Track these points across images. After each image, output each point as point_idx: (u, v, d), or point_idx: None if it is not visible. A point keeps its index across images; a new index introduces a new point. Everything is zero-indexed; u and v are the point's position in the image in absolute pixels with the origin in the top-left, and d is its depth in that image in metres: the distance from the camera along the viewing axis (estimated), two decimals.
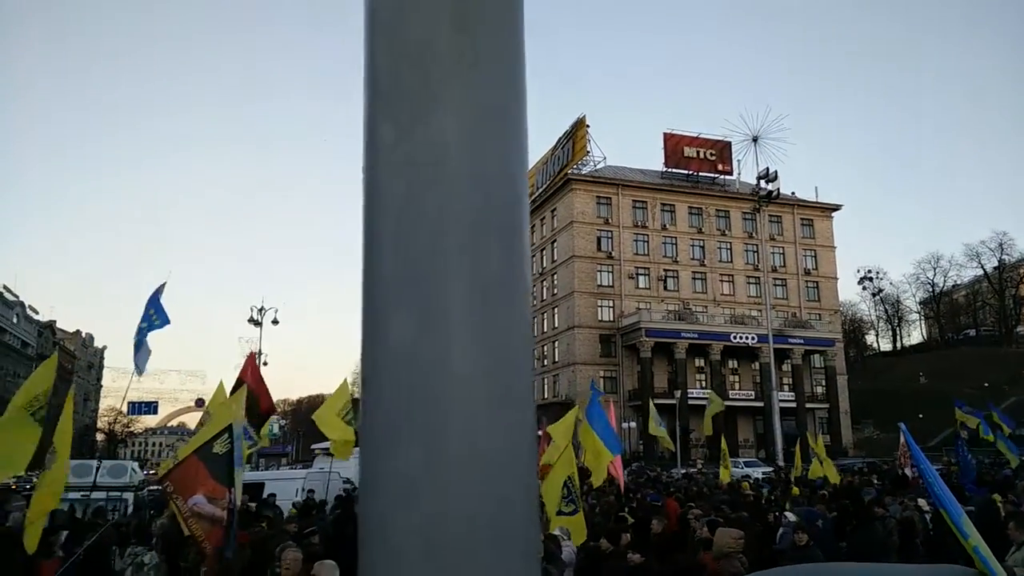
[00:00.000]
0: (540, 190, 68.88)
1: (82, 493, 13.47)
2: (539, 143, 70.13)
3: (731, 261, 65.14)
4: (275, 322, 44.31)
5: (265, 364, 46.88)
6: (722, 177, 65.96)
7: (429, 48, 0.74)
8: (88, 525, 10.34)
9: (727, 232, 65.34)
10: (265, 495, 13.90)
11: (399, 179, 0.73)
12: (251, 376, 11.27)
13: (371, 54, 0.78)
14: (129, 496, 13.84)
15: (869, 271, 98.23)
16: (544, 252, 66.85)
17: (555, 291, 63.83)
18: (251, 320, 43.56)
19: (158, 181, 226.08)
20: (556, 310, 63.31)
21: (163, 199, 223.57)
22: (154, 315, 10.49)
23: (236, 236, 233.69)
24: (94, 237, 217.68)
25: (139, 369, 10.34)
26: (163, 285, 10.87)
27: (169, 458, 7.48)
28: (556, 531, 7.70)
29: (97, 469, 13.02)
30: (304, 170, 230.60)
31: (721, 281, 64.35)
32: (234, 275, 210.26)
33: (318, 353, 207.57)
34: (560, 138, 67.00)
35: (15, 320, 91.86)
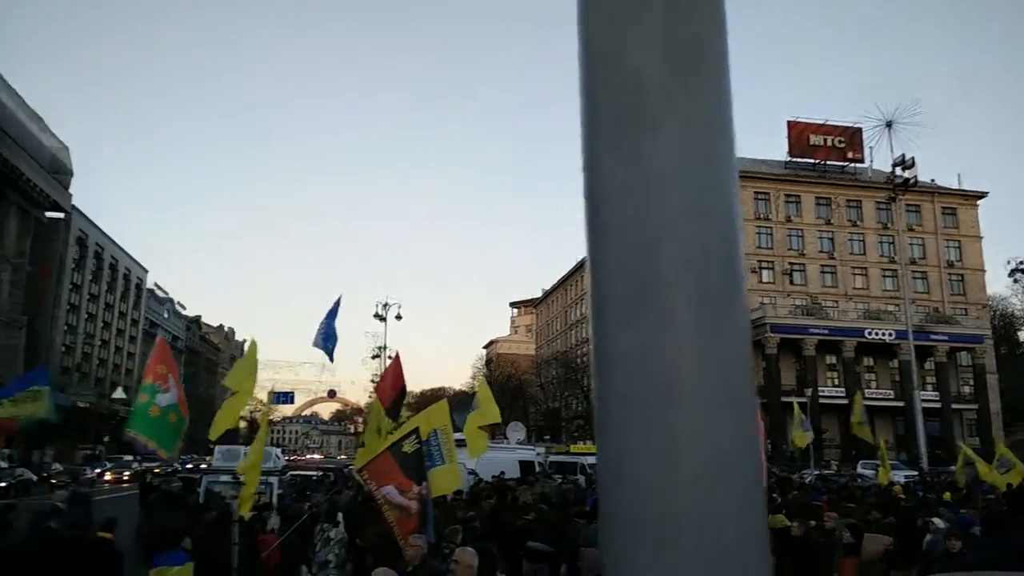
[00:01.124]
0: None
1: (232, 476, 14.56)
2: None
3: (864, 253, 61.75)
4: (398, 317, 46.00)
5: (390, 358, 48.80)
6: (852, 165, 62.57)
7: (644, 77, 0.80)
8: (263, 506, 11.51)
9: (859, 223, 61.97)
10: None
11: (623, 202, 0.79)
12: (392, 374, 11.76)
13: (588, 83, 0.84)
14: (274, 480, 14.79)
15: (1021, 262, 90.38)
16: None
17: None
18: (376, 315, 45.30)
19: (285, 184, 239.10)
20: None
21: (291, 200, 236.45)
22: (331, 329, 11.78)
23: (362, 235, 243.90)
24: (232, 238, 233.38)
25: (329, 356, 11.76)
26: (339, 299, 12.20)
27: (362, 449, 8.35)
28: None
29: (244, 454, 14.04)
30: (422, 178, 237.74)
31: (853, 274, 61.13)
32: (359, 272, 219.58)
33: (438, 346, 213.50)
34: None
35: (166, 315, 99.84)
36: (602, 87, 0.82)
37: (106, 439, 67.48)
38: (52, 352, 65.34)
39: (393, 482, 7.11)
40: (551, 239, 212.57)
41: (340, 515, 9.06)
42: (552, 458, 30.03)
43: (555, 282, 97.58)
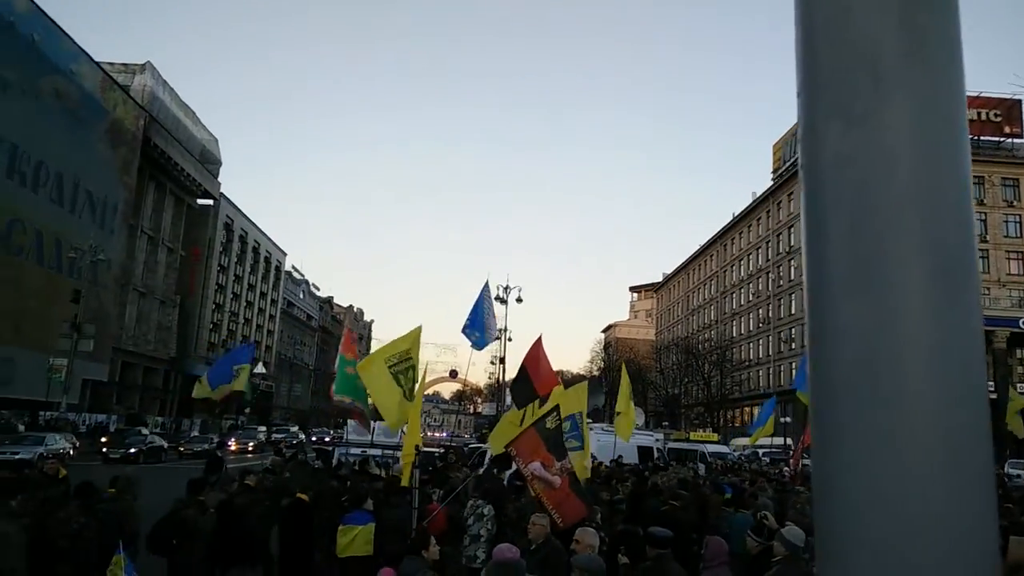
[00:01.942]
0: (787, 164, 64.94)
1: (362, 449, 15.39)
2: (785, 113, 66.00)
3: (1020, 236, 56.66)
4: (519, 300, 46.51)
5: (510, 340, 49.47)
6: (1009, 141, 57.36)
7: (877, 45, 0.76)
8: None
9: (1015, 203, 56.85)
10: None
11: (850, 173, 0.76)
12: (532, 358, 11.93)
13: (809, 51, 0.81)
14: (400, 453, 15.49)
15: None
16: (792, 229, 63.01)
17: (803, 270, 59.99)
18: (497, 298, 46.01)
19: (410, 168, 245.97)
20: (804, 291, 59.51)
21: (418, 185, 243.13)
22: (475, 321, 12.17)
23: (484, 216, 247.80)
24: (359, 222, 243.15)
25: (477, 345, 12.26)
26: (487, 285, 12.56)
27: (498, 426, 8.78)
28: None
29: (373, 430, 14.78)
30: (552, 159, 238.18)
31: (1008, 259, 56.25)
32: (481, 253, 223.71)
33: (557, 330, 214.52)
34: None
35: (302, 296, 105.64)
36: (826, 52, 0.79)
37: (247, 410, 72.38)
38: (201, 329, 70.71)
39: (539, 458, 7.43)
40: (672, 223, 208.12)
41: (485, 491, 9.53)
42: (671, 445, 29.66)
43: (676, 267, 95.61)
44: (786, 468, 20.72)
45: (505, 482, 11.56)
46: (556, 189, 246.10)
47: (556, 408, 8.15)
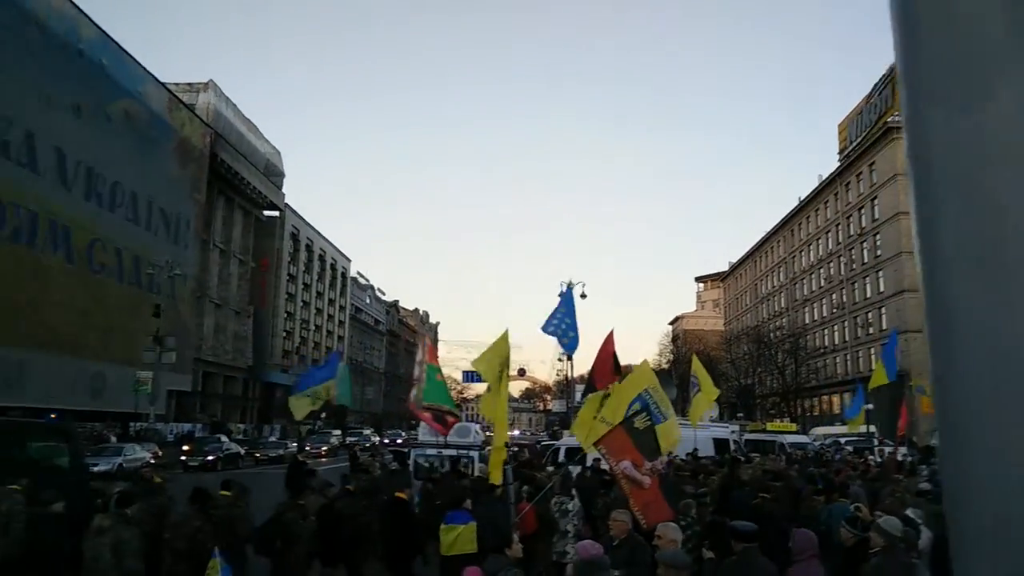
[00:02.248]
0: (854, 143, 62.77)
1: (437, 449, 15.51)
2: (851, 91, 63.83)
3: None
4: (583, 296, 46.16)
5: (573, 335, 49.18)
6: None
7: (981, 24, 0.72)
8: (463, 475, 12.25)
9: None
10: (590, 461, 14.65)
11: (962, 159, 0.72)
12: (601, 351, 11.84)
13: (908, 31, 0.78)
14: (475, 454, 15.58)
15: None
16: (863, 210, 60.89)
17: (878, 252, 57.84)
18: (560, 295, 45.70)
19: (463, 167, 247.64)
20: (880, 274, 57.39)
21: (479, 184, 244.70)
22: (567, 322, 12.09)
23: (546, 214, 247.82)
24: (421, 227, 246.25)
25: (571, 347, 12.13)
26: (570, 285, 12.40)
27: (602, 423, 8.80)
28: (910, 512, 7.16)
29: (474, 432, 14.98)
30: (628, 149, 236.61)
31: None
32: (539, 251, 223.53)
33: (622, 323, 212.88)
34: (876, 83, 60.26)
35: (368, 301, 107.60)
36: (930, 33, 0.75)
37: (323, 415, 74.07)
38: (274, 337, 72.78)
39: (628, 457, 7.40)
40: (736, 209, 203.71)
41: (574, 489, 9.57)
42: (747, 436, 28.99)
43: (742, 255, 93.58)
44: (871, 457, 20.00)
45: (574, 476, 11.52)
46: (616, 183, 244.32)
47: (646, 408, 8.13)
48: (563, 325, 12.32)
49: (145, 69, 49.53)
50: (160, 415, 42.11)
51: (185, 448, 35.43)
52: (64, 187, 40.76)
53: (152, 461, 28.88)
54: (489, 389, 9.36)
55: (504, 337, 9.28)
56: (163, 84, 52.62)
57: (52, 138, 39.25)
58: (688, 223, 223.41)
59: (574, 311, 12.56)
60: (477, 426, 21.30)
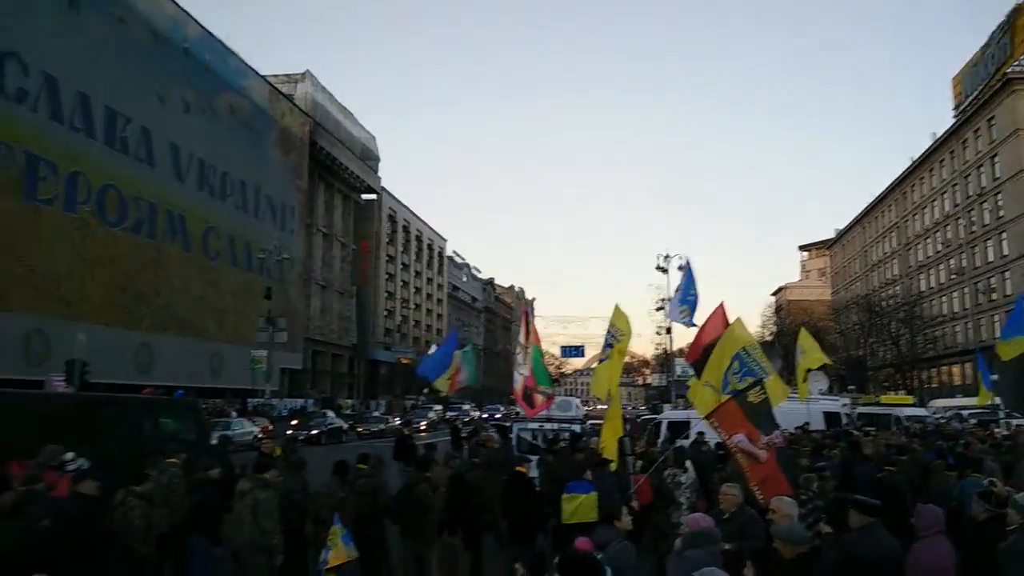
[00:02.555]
0: (970, 98, 58.46)
1: (539, 424, 15.64)
2: (966, 41, 59.42)
3: None
4: (681, 268, 45.25)
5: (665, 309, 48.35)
6: None
7: None
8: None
9: None
10: (694, 435, 14.40)
11: None
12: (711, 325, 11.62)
13: None
14: (576, 428, 15.64)
15: None
16: (981, 169, 56.73)
17: (1000, 213, 53.85)
18: (658, 267, 45.03)
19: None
20: (1004, 236, 53.46)
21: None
22: (692, 293, 12.01)
23: (642, 187, 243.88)
24: (517, 203, 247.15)
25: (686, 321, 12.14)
26: (688, 261, 12.36)
27: (709, 388, 8.81)
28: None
29: (575, 406, 15.08)
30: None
31: None
32: (641, 224, 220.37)
33: (722, 295, 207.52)
34: (993, 32, 55.82)
35: (464, 279, 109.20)
36: None
37: (425, 391, 75.97)
38: (376, 316, 75.06)
39: (743, 430, 7.27)
40: (841, 173, 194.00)
41: (688, 461, 9.62)
42: (860, 409, 27.73)
43: (850, 221, 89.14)
44: (997, 430, 18.78)
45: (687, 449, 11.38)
46: (712, 152, 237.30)
47: (759, 382, 7.93)
48: (689, 298, 12.19)
49: (246, 63, 51.61)
50: (275, 391, 44.30)
51: (293, 422, 37.07)
52: (179, 179, 43.22)
53: (260, 436, 30.29)
54: (601, 359, 9.47)
55: (618, 313, 9.34)
56: (263, 77, 54.71)
57: (166, 134, 41.62)
58: (789, 191, 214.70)
59: (695, 283, 12.43)
60: (578, 400, 21.33)
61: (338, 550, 4.33)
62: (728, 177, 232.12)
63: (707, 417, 7.82)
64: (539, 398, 14.10)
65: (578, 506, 7.90)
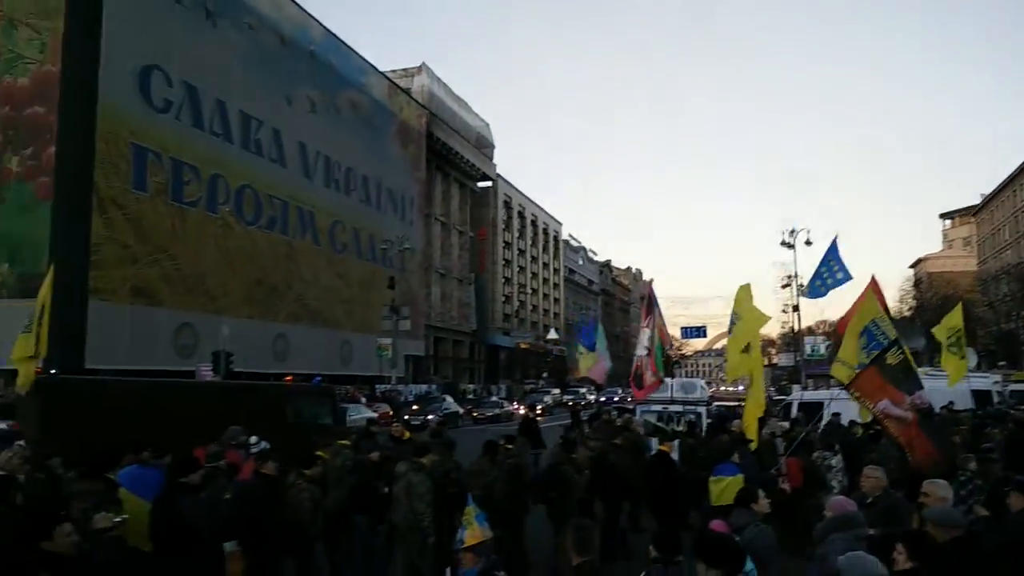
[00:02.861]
0: None
1: (662, 406, 15.45)
2: None
3: None
4: (808, 243, 43.27)
5: (801, 286, 46.32)
6: None
7: None
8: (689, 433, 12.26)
9: None
10: (828, 415, 13.78)
11: None
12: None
13: None
14: (701, 410, 15.32)
15: None
16: None
17: None
18: (783, 243, 43.26)
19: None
20: None
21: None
22: (836, 268, 11.71)
23: (765, 161, 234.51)
24: (630, 184, 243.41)
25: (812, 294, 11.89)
26: (836, 238, 12.02)
27: (843, 366, 8.61)
28: None
29: (672, 387, 14.82)
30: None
31: None
32: (767, 200, 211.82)
33: (854, 270, 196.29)
34: None
35: (580, 262, 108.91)
36: None
37: (545, 375, 76.61)
38: (495, 302, 76.23)
39: (885, 396, 7.07)
40: (982, 132, 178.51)
41: (837, 445, 9.56)
42: (1013, 387, 25.60)
43: (1000, 183, 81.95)
44: None
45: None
46: (838, 120, 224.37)
47: (897, 342, 7.64)
48: (836, 274, 11.73)
49: (365, 60, 53.47)
50: (400, 377, 45.95)
51: (414, 407, 38.31)
52: (307, 177, 45.50)
53: (376, 420, 31.11)
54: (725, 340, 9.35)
55: (746, 291, 9.19)
56: (382, 73, 56.52)
57: (294, 134, 43.88)
58: (926, 155, 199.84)
59: (828, 266, 11.95)
60: (703, 382, 20.89)
61: (473, 529, 4.45)
62: (857, 144, 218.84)
63: (848, 388, 7.56)
64: (648, 378, 13.97)
65: (725, 488, 7.89)
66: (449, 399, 42.05)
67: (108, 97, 31.05)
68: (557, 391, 59.93)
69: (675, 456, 9.61)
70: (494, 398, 52.79)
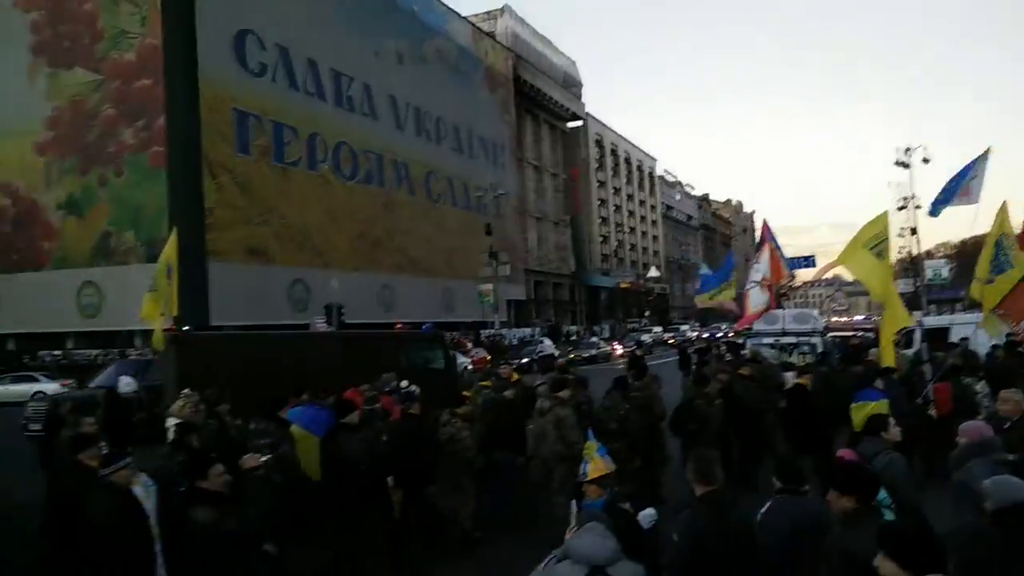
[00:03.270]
0: None
1: (774, 338, 15.03)
2: None
3: None
4: (925, 160, 40.49)
5: (918, 208, 43.55)
6: None
7: None
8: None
9: None
10: (956, 339, 13.07)
11: None
12: None
13: None
14: (816, 340, 14.80)
15: None
16: None
17: None
18: (898, 163, 40.70)
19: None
20: None
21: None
22: (972, 179, 10.78)
23: (873, 83, 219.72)
24: (727, 112, 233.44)
25: (934, 211, 11.12)
26: (987, 152, 10.72)
27: (977, 283, 8.24)
28: None
29: (784, 318, 14.37)
30: None
31: None
32: (871, 122, 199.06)
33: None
34: None
35: (677, 197, 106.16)
36: None
37: (647, 313, 75.97)
38: (592, 243, 75.65)
39: None
40: None
41: (983, 371, 9.18)
42: None
43: None
44: None
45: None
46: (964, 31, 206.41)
47: (1000, 254, 7.33)
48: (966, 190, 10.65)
49: (448, 7, 53.04)
50: (503, 322, 46.60)
51: (511, 349, 38.79)
52: (399, 129, 46.08)
53: (469, 367, 31.42)
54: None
55: (883, 218, 8.76)
56: (465, 18, 55.97)
57: (384, 87, 44.36)
58: None
59: (959, 180, 10.86)
60: (816, 312, 20.13)
61: (596, 462, 4.50)
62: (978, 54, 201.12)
63: (993, 310, 7.11)
64: (753, 307, 13.55)
65: (868, 413, 7.67)
66: (547, 342, 42.33)
67: (208, 64, 32.23)
68: (659, 329, 59.35)
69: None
70: (593, 339, 52.84)
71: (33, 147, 35.31)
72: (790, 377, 10.53)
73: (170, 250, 9.76)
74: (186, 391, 7.49)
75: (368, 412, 7.04)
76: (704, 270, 17.03)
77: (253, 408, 7.06)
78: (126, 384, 8.46)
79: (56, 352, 32.86)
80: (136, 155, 33.40)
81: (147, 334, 10.31)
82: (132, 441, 5.97)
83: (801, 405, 8.73)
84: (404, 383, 9.32)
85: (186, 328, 11.69)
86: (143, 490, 4.49)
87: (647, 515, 4.02)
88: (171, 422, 7.00)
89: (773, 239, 13.46)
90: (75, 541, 4.18)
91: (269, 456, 5.13)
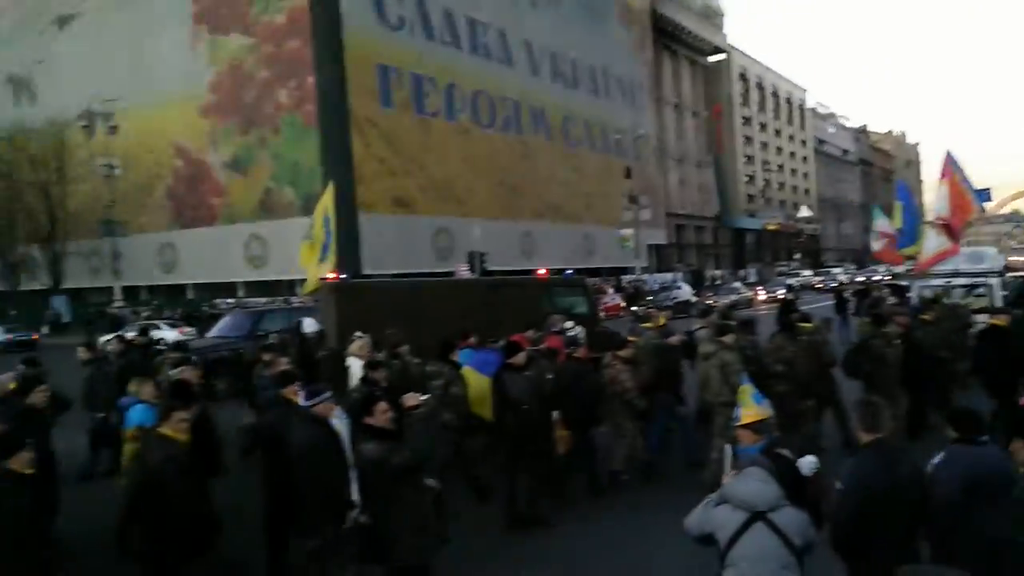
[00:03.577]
0: None
1: (945, 280, 13.86)
2: None
3: None
4: None
5: None
6: None
7: None
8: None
9: None
10: None
11: None
12: None
13: None
14: (994, 280, 13.51)
15: None
16: None
17: None
18: None
19: None
20: None
21: None
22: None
23: None
24: (884, 36, 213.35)
25: None
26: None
27: None
28: None
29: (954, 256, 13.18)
30: None
31: None
32: None
33: None
34: None
35: (831, 130, 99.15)
36: None
37: (797, 255, 72.32)
38: (737, 183, 72.52)
39: None
40: None
41: None
42: None
43: None
44: None
45: None
46: None
47: None
48: None
49: None
50: (644, 267, 45.95)
51: (649, 296, 38.06)
52: (534, 74, 45.75)
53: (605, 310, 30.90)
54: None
55: None
56: None
57: (519, 32, 44.07)
58: None
59: None
60: (994, 250, 18.29)
61: (749, 408, 4.37)
62: None
63: None
64: (932, 248, 12.48)
65: None
66: (685, 287, 41.21)
67: (351, 22, 33.29)
68: (808, 273, 56.32)
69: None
70: (735, 284, 51.00)
71: (198, 110, 38.14)
72: (981, 320, 9.75)
73: (328, 201, 10.29)
74: (358, 333, 7.99)
75: (533, 353, 7.28)
76: (880, 218, 15.53)
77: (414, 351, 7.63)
78: (309, 325, 9.17)
79: (230, 300, 35.89)
80: (291, 114, 35.33)
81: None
82: (317, 378, 6.52)
83: (998, 347, 8.09)
84: (569, 323, 9.54)
85: (343, 276, 12.40)
86: (339, 421, 4.95)
87: (808, 462, 3.86)
88: (351, 361, 7.60)
89: (960, 170, 12.26)
90: (280, 466, 4.74)
91: (428, 396, 5.40)
